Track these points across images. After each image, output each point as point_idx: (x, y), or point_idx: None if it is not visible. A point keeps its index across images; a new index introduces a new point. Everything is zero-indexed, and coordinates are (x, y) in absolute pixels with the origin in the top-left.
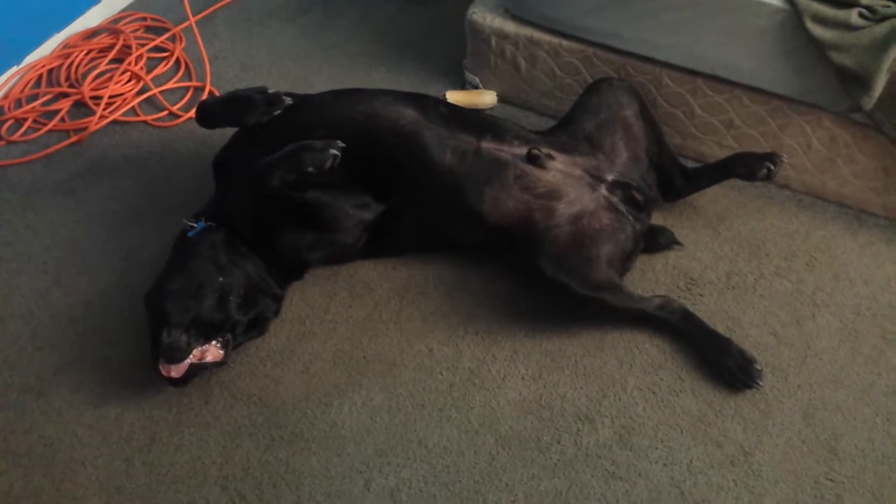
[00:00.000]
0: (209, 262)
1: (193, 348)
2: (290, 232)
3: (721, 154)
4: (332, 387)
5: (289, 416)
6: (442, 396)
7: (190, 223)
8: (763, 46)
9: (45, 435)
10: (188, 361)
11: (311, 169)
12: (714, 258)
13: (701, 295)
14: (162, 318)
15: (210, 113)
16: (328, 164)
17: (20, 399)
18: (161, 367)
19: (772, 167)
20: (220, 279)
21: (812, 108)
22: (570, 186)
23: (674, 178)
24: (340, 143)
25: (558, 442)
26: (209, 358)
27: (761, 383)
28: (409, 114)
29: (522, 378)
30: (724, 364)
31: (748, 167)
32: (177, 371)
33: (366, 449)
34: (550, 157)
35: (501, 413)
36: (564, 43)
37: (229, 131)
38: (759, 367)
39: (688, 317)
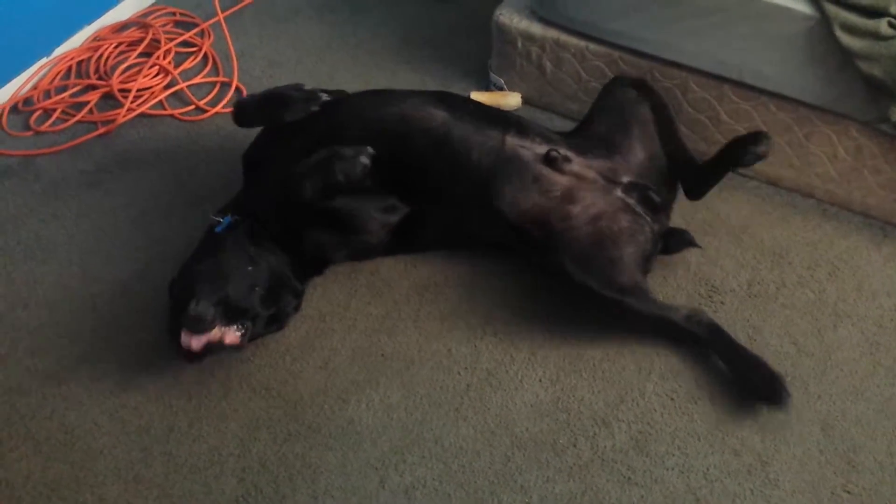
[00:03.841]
0: (238, 253)
1: (217, 325)
2: (316, 233)
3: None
4: (350, 383)
5: (306, 411)
6: (459, 396)
7: (217, 218)
8: (791, 54)
9: (66, 422)
10: (207, 336)
11: (341, 178)
12: (736, 266)
13: (722, 303)
14: (188, 296)
15: (247, 111)
16: (359, 174)
17: (42, 386)
18: (183, 335)
19: (758, 153)
20: (249, 268)
21: (839, 118)
22: (585, 190)
23: (688, 177)
24: (371, 151)
25: (574, 445)
26: (228, 340)
27: (789, 403)
28: (439, 115)
29: (540, 380)
30: (752, 381)
31: (736, 158)
32: (197, 342)
33: (382, 446)
34: (567, 159)
35: (518, 414)
36: (591, 46)
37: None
38: (787, 389)
39: (716, 331)
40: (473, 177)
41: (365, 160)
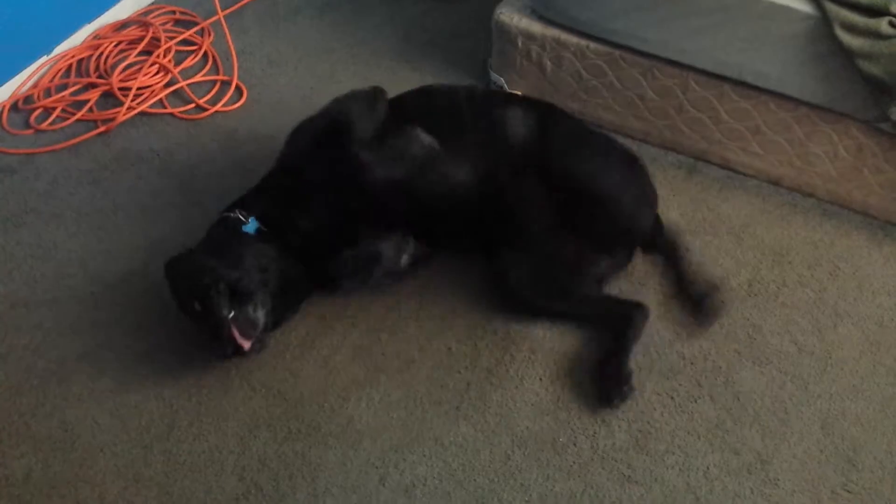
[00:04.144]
0: (272, 264)
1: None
2: (336, 261)
3: (746, 160)
4: (351, 381)
5: (306, 409)
6: (459, 395)
7: (241, 216)
8: (791, 53)
9: (66, 420)
10: (252, 339)
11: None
12: (736, 265)
13: (722, 301)
14: (210, 291)
15: (344, 272)
16: (400, 273)
17: (42, 384)
18: (236, 334)
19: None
20: (276, 283)
21: (840, 117)
22: None
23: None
24: (412, 248)
25: (574, 444)
26: (246, 346)
27: (617, 405)
28: (464, 173)
29: (540, 379)
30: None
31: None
32: (247, 343)
33: (382, 444)
34: None
35: (518, 413)
36: (591, 45)
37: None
38: (629, 390)
39: (631, 320)
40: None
41: (406, 259)
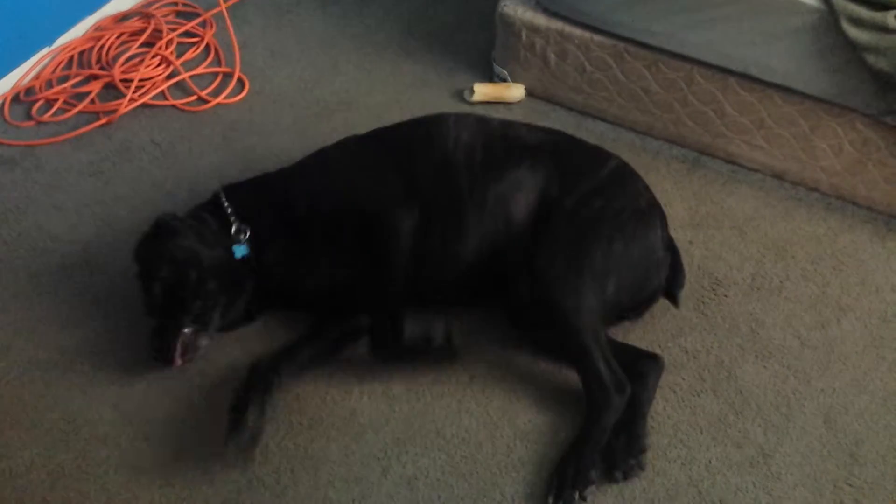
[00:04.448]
0: (236, 291)
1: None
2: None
3: (751, 154)
4: (352, 374)
5: (309, 402)
6: (462, 388)
7: (241, 240)
8: (797, 46)
9: (69, 411)
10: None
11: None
12: (740, 259)
13: (725, 296)
14: (189, 280)
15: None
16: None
17: (45, 375)
18: (175, 353)
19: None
20: (229, 307)
21: (845, 110)
22: None
23: None
24: (448, 336)
25: None
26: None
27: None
28: (468, 253)
29: (543, 372)
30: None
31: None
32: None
33: (384, 437)
34: None
35: (520, 406)
36: (595, 38)
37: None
38: (641, 464)
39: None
40: None
41: (441, 345)
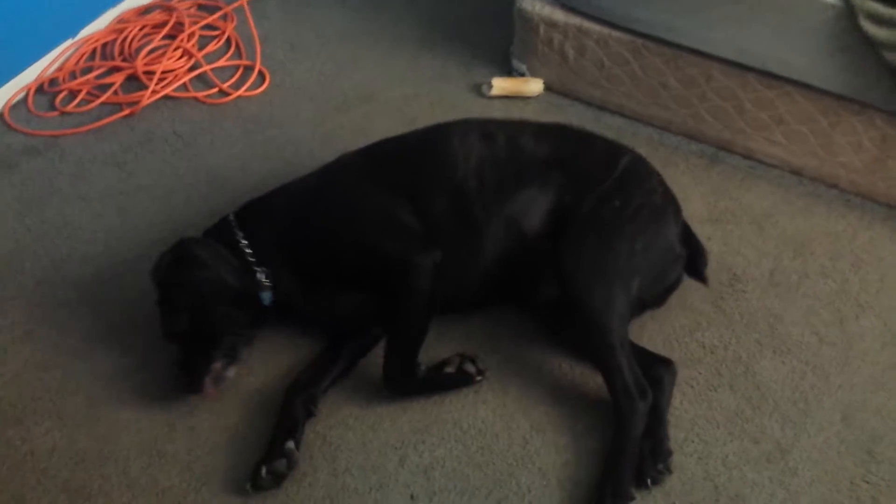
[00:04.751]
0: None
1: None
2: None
3: (769, 150)
4: (371, 364)
5: (327, 391)
6: None
7: (264, 285)
8: (816, 43)
9: (91, 397)
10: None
11: None
12: (758, 255)
13: (744, 291)
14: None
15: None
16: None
17: (68, 361)
18: (206, 385)
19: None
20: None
21: (864, 107)
22: None
23: None
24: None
25: (592, 431)
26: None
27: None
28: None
29: (560, 365)
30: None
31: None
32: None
33: (402, 426)
34: None
35: (537, 398)
36: (614, 33)
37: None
38: (669, 467)
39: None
40: None
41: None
